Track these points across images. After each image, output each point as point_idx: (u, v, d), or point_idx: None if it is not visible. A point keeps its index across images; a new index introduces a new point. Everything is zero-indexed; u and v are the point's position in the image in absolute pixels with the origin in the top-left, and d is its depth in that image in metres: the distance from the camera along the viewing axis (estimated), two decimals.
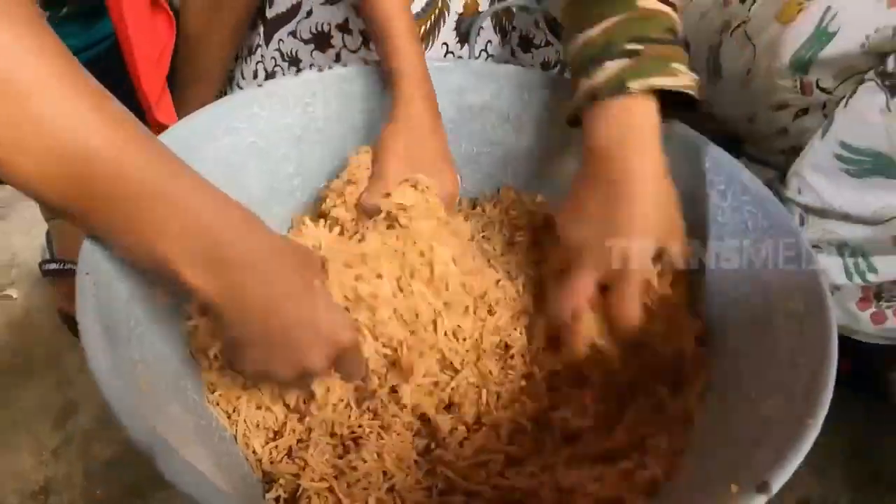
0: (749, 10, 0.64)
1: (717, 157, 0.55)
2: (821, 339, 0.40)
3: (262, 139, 0.62)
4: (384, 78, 0.61)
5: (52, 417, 0.66)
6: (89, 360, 0.35)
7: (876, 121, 0.52)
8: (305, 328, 0.40)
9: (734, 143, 0.80)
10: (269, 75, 0.83)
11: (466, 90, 0.67)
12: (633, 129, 0.48)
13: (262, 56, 0.82)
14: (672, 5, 0.52)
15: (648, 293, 0.47)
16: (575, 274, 0.48)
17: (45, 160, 0.33)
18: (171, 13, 0.57)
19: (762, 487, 0.32)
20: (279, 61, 0.81)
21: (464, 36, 0.78)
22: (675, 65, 0.48)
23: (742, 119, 0.69)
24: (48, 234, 0.81)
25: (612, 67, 0.49)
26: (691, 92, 0.48)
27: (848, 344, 0.59)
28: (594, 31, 0.51)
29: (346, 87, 0.65)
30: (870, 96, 0.53)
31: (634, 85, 0.47)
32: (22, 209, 0.94)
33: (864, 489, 0.68)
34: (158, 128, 0.60)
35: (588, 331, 0.47)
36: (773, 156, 0.68)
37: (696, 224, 0.53)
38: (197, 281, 0.36)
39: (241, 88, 0.85)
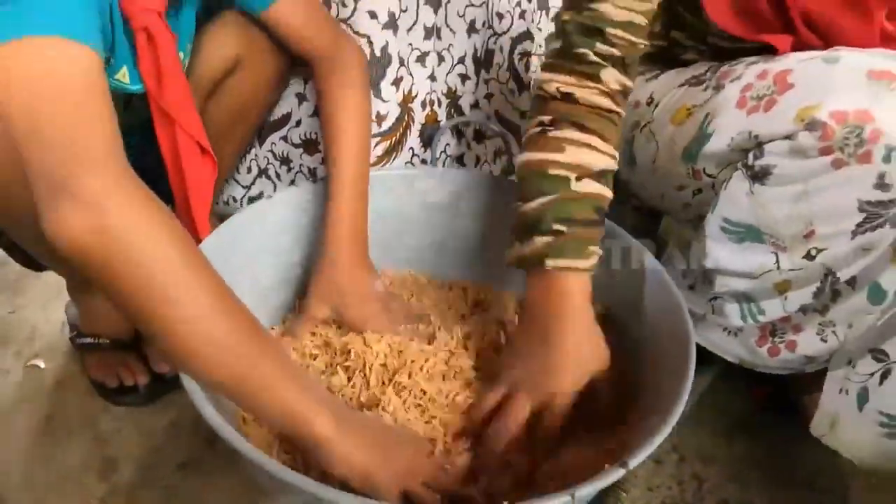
0: (652, 112, 0.82)
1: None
2: (682, 365, 0.60)
3: (272, 238, 0.79)
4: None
5: (95, 471, 0.78)
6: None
7: (744, 201, 0.67)
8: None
9: (656, 215, 1.00)
10: (262, 171, 0.99)
11: (429, 192, 0.85)
12: (566, 297, 0.63)
13: (255, 154, 0.98)
14: (608, 173, 0.67)
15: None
16: (514, 401, 0.63)
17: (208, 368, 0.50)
18: (214, 159, 0.73)
19: (622, 464, 0.50)
20: (271, 160, 0.97)
21: (427, 140, 0.95)
22: (590, 247, 0.64)
23: (655, 197, 0.88)
24: (68, 309, 0.94)
25: (538, 242, 0.63)
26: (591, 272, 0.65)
27: (766, 374, 0.78)
28: (533, 205, 0.65)
29: None
30: (739, 182, 0.67)
31: (551, 263, 0.62)
32: (35, 286, 1.06)
33: (780, 491, 0.78)
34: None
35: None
36: (683, 224, 0.86)
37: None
38: (323, 429, 0.52)
39: (235, 180, 1.01)
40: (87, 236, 0.46)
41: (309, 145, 0.93)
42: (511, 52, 1.06)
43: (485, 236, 0.86)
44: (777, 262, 0.67)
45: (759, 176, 0.64)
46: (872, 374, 0.70)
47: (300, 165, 0.95)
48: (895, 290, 0.66)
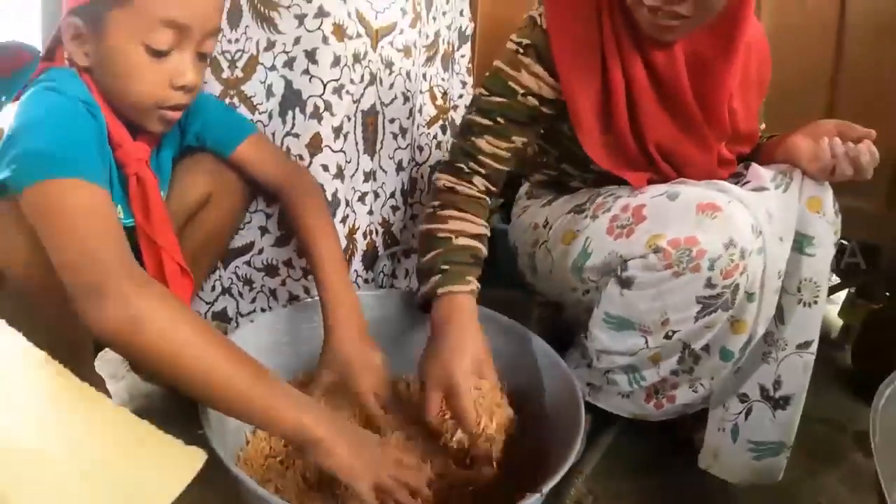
0: (548, 233, 1.04)
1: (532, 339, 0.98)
2: (574, 419, 0.81)
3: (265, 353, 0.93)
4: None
5: None
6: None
7: (618, 301, 0.91)
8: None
9: (558, 307, 1.23)
10: (225, 289, 1.15)
11: (372, 307, 1.01)
12: (454, 309, 0.87)
13: (220, 276, 1.14)
14: (481, 236, 0.95)
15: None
16: (428, 395, 0.84)
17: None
18: (192, 277, 0.89)
19: (537, 490, 0.70)
20: (235, 281, 1.14)
21: (368, 264, 1.16)
22: (468, 277, 0.90)
23: (555, 295, 1.11)
24: None
25: (432, 281, 0.90)
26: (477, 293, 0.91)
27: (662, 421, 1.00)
28: (427, 257, 0.92)
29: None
30: (613, 288, 0.91)
31: (441, 290, 0.88)
32: None
33: None
34: None
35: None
36: (579, 316, 1.07)
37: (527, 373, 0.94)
38: (316, 432, 0.68)
39: (199, 297, 1.15)
40: (124, 327, 0.63)
41: (270, 269, 1.10)
42: (430, 178, 1.30)
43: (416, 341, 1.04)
44: (646, 342, 0.91)
45: (625, 283, 0.88)
46: (740, 413, 0.96)
47: (262, 286, 1.12)
48: (739, 348, 0.91)
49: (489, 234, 0.97)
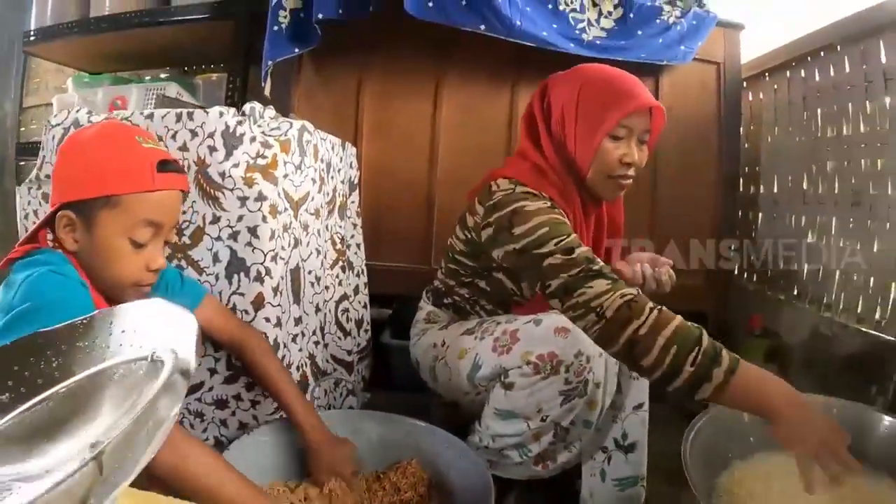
0: (445, 351, 1.36)
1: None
2: (484, 487, 1.12)
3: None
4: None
5: None
6: None
7: (503, 399, 1.23)
8: None
9: (455, 406, 1.54)
10: (178, 422, 1.33)
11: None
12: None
13: None
14: None
15: None
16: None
17: None
18: None
19: None
20: (186, 415, 1.33)
21: (302, 390, 1.41)
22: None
23: (453, 398, 1.42)
24: None
25: (726, 362, 0.96)
26: None
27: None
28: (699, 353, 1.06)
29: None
30: (499, 390, 1.24)
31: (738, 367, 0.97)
32: None
33: None
34: None
35: None
36: (474, 412, 1.36)
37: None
38: None
39: None
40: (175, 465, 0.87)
41: (220, 404, 1.31)
42: (336, 310, 1.58)
43: None
44: (528, 426, 1.22)
45: (508, 387, 1.20)
46: (603, 461, 1.32)
47: (212, 418, 1.32)
48: (595, 418, 1.24)
49: None
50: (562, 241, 1.11)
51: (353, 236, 1.74)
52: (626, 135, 1.26)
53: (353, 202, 1.75)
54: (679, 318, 1.00)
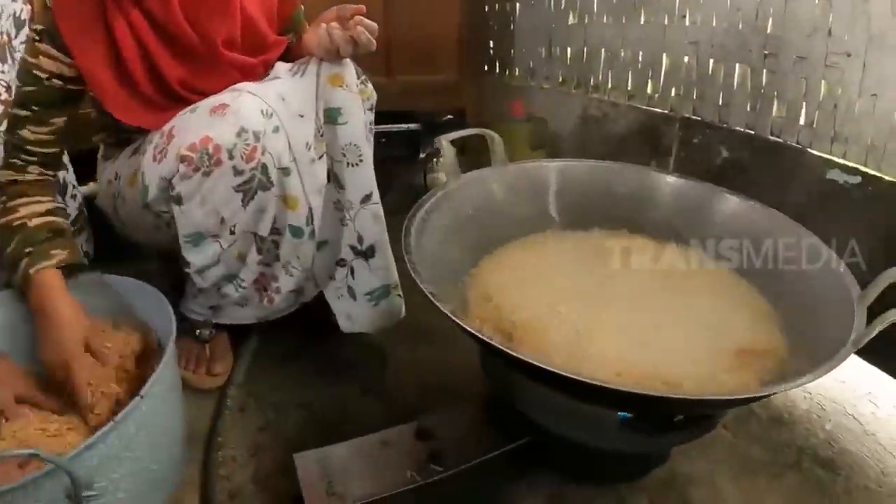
0: (120, 184, 1.06)
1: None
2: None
3: None
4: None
5: None
6: None
7: (182, 219, 0.94)
8: None
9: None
10: None
11: None
12: (45, 289, 0.89)
13: None
14: (55, 210, 0.99)
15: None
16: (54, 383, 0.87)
17: None
18: None
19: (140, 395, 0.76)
20: None
21: None
22: (53, 251, 0.93)
23: (146, 239, 1.14)
24: None
25: (22, 265, 0.91)
26: (69, 261, 0.93)
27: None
28: (10, 248, 0.93)
29: None
30: (175, 209, 0.93)
31: (31, 271, 0.90)
32: None
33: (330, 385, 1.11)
34: None
35: None
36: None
37: None
38: None
39: None
40: None
41: None
42: None
43: None
44: (220, 245, 0.98)
45: (178, 201, 0.93)
46: (346, 276, 1.11)
47: None
48: (304, 223, 1.01)
49: (64, 205, 1.01)
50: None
51: None
52: None
53: (22, 42, 1.37)
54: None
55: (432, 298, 0.74)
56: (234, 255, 1.01)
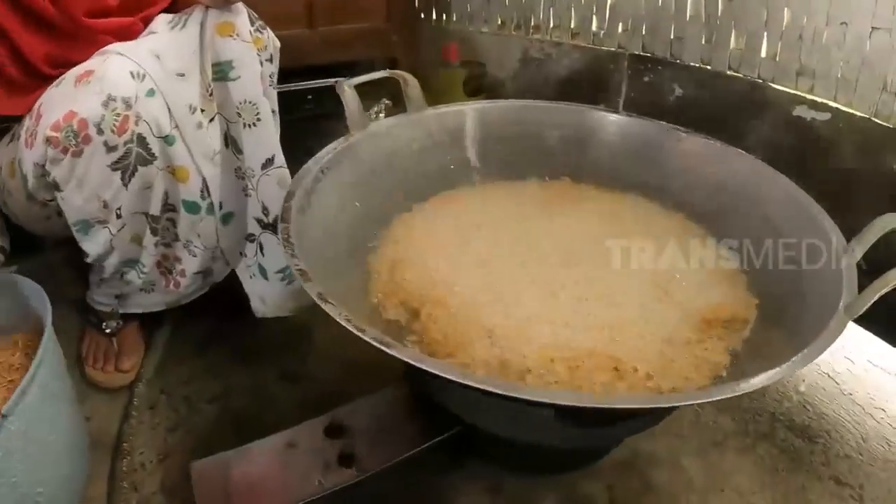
0: (2, 176, 0.92)
1: None
2: None
3: None
4: None
5: None
6: None
7: (65, 205, 0.82)
8: None
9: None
10: None
11: None
12: None
13: None
14: None
15: None
16: None
17: None
18: None
19: None
20: None
21: None
22: None
23: (42, 231, 1.02)
24: None
25: None
26: None
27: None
28: None
29: None
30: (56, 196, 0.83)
31: None
32: None
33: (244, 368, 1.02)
34: None
35: None
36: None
37: None
38: None
39: None
40: None
41: None
42: None
43: None
44: (109, 230, 0.86)
45: (56, 187, 0.81)
46: (256, 253, 0.99)
47: None
48: (199, 196, 0.90)
49: None
50: None
51: None
52: None
53: None
54: None
55: (318, 300, 0.59)
56: (126, 239, 0.90)
